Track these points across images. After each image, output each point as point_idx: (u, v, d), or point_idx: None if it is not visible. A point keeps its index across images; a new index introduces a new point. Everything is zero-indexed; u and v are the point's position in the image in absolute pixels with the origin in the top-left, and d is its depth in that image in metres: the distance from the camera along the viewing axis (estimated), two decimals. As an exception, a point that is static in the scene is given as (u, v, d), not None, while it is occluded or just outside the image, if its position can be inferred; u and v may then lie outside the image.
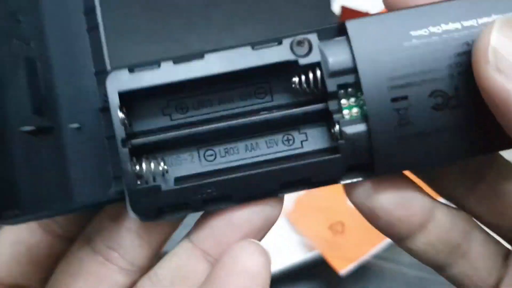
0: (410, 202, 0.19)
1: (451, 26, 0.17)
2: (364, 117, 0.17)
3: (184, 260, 0.20)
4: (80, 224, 0.22)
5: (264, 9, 0.57)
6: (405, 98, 0.16)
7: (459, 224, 0.20)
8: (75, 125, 0.19)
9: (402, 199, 0.19)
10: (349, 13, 0.54)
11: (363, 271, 0.45)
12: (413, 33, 0.17)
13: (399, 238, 0.20)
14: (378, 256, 0.45)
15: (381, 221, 0.20)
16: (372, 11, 0.51)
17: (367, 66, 0.17)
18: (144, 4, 0.57)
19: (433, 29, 0.17)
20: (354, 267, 0.44)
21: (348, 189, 0.20)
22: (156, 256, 0.21)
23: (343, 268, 0.44)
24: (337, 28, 0.18)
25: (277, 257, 0.44)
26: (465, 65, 0.16)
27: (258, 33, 0.55)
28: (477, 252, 0.20)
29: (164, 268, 0.20)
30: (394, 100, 0.16)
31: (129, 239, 0.20)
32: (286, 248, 0.46)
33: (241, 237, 0.19)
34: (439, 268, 0.21)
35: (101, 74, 0.19)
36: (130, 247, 0.20)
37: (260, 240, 0.20)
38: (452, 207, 0.21)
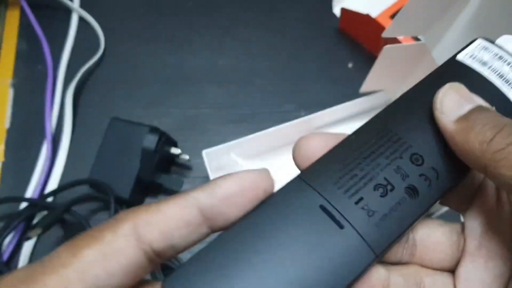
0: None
1: None
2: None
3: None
4: None
5: (265, 11, 0.56)
6: (362, 198, 0.21)
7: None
8: None
9: None
10: (349, 15, 0.53)
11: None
12: None
13: None
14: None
15: None
16: (372, 14, 0.50)
17: None
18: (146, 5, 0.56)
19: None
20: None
21: None
22: None
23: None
24: None
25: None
26: (387, 163, 0.21)
27: (259, 34, 0.54)
28: None
29: None
30: (357, 202, 0.20)
31: None
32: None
33: None
34: None
35: None
36: None
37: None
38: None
